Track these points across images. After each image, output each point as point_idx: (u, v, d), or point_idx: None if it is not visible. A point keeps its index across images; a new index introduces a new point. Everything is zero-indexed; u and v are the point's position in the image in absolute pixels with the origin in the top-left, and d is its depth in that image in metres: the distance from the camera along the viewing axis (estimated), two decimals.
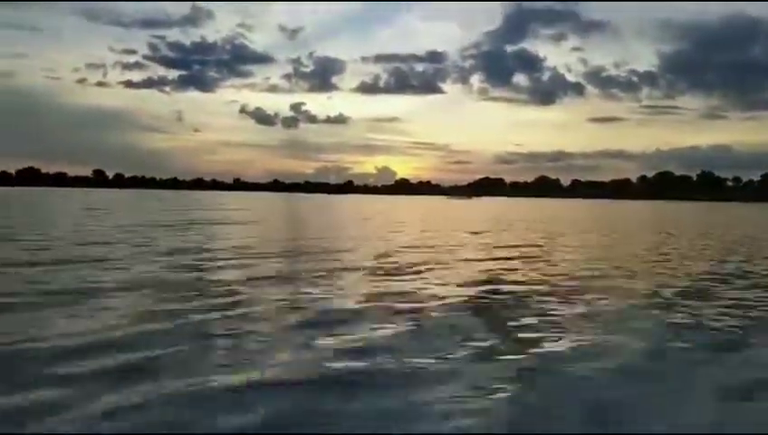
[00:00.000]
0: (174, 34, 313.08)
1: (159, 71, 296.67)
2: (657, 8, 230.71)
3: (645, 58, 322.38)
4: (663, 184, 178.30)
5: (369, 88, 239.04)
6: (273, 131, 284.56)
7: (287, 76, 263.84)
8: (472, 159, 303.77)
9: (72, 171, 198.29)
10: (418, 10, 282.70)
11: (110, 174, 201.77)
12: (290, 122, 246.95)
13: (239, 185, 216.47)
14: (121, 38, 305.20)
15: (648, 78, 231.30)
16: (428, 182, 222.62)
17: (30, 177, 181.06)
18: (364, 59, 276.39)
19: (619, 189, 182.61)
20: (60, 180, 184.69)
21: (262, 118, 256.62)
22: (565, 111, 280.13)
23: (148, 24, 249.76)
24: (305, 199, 77.59)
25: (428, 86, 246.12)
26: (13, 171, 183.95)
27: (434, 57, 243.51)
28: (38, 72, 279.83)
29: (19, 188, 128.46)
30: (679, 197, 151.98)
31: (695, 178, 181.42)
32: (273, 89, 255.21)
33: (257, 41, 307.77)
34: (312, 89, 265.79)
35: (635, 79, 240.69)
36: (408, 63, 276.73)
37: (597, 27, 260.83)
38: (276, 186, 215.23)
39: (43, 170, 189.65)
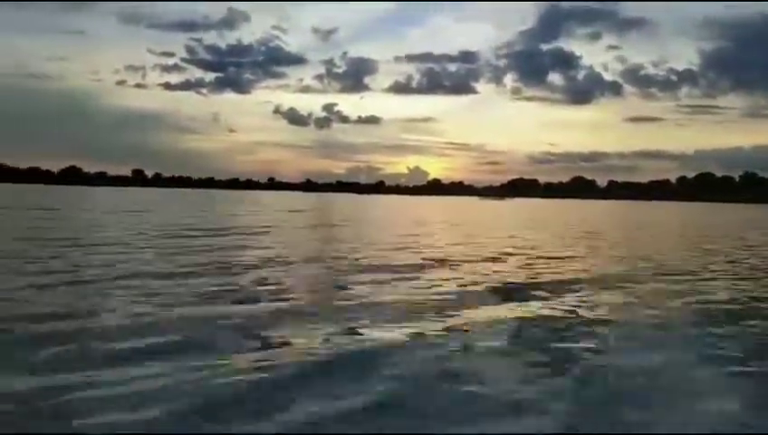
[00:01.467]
0: (211, 37, 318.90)
1: (197, 73, 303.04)
2: (698, 5, 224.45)
3: (684, 56, 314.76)
4: (703, 185, 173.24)
5: (401, 88, 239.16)
6: (306, 132, 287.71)
7: (320, 77, 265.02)
8: (505, 160, 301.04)
9: (111, 171, 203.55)
10: (451, 10, 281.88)
11: (149, 173, 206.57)
12: (322, 123, 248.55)
13: (273, 184, 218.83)
14: (160, 41, 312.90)
15: (688, 77, 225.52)
16: (461, 183, 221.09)
17: (72, 175, 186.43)
18: (397, 59, 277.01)
19: (657, 190, 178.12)
20: (100, 179, 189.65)
21: (295, 118, 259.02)
22: (601, 110, 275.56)
23: (186, 26, 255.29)
24: (344, 199, 77.83)
25: (461, 86, 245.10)
26: (56, 170, 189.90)
27: (467, 57, 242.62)
28: (81, 75, 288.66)
29: (61, 186, 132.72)
30: (721, 198, 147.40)
31: (737, 180, 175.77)
32: (307, 89, 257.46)
33: (291, 42, 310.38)
34: (345, 89, 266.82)
35: (674, 78, 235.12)
36: (440, 63, 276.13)
37: (634, 25, 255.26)
38: (309, 186, 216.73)
39: (84, 169, 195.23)
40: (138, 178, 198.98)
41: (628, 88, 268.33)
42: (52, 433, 2.84)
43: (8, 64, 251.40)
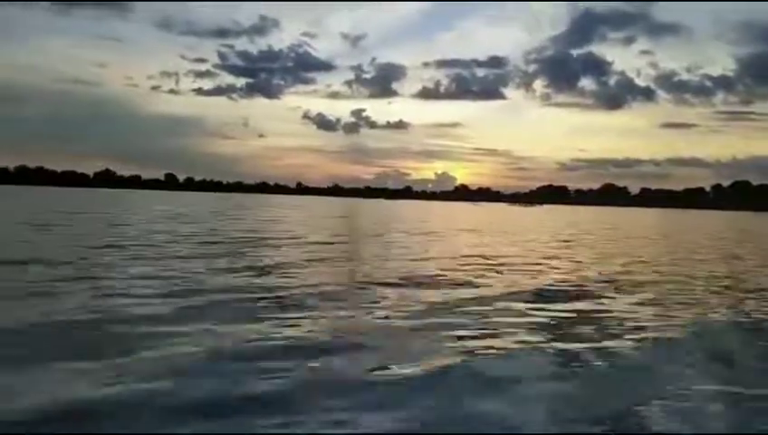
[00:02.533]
0: (242, 43, 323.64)
1: (228, 78, 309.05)
2: (735, 9, 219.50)
3: (720, 62, 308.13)
4: (740, 194, 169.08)
5: (429, 93, 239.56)
6: (334, 137, 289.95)
7: (348, 82, 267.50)
8: (534, 166, 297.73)
9: (145, 174, 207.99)
10: (481, 15, 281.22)
11: (181, 177, 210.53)
12: (351, 128, 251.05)
13: (301, 189, 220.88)
14: (193, 47, 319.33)
15: (724, 82, 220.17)
16: (488, 189, 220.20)
17: (106, 178, 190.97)
18: (425, 65, 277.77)
19: (691, 198, 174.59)
20: (134, 183, 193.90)
21: (323, 123, 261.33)
22: (634, 116, 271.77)
23: (219, 33, 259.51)
24: (378, 205, 77.62)
25: (490, 91, 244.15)
26: (91, 173, 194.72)
27: (496, 62, 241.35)
28: (117, 81, 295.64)
29: (96, 188, 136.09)
30: (759, 207, 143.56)
31: None
32: (335, 95, 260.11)
33: (320, 48, 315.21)
34: (373, 95, 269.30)
35: (709, 84, 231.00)
36: (469, 69, 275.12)
37: (669, 30, 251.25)
38: (336, 190, 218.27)
39: (119, 173, 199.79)
40: (170, 182, 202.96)
41: (661, 94, 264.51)
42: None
43: (48, 69, 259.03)
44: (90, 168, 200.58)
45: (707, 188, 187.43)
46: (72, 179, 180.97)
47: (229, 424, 2.94)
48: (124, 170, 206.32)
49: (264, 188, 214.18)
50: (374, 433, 2.98)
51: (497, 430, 3.05)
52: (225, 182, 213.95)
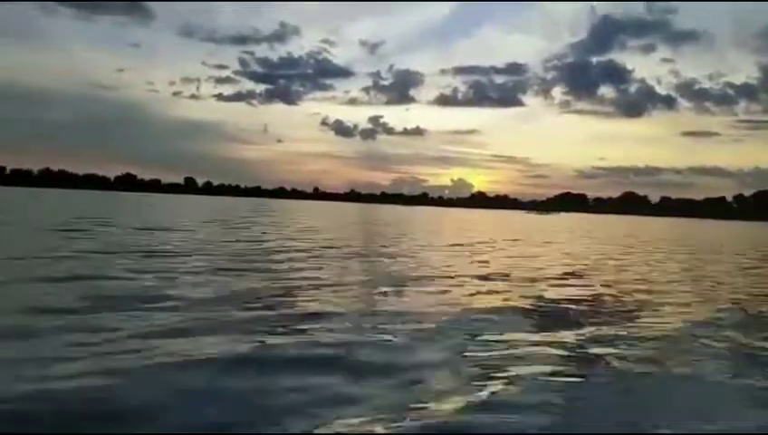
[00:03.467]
0: (262, 50, 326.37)
1: (248, 85, 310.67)
2: (759, 15, 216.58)
3: (743, 70, 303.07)
4: (762, 204, 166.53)
5: (447, 100, 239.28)
6: (352, 143, 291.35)
7: (366, 89, 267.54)
8: (552, 173, 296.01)
9: (164, 178, 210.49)
10: (499, 22, 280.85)
11: (200, 182, 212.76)
12: (368, 134, 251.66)
13: (318, 194, 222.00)
14: (214, 53, 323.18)
15: (746, 91, 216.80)
16: (506, 196, 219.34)
17: (127, 182, 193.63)
18: (443, 71, 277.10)
19: (713, 208, 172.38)
20: (154, 186, 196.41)
21: (341, 129, 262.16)
22: (654, 124, 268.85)
23: (239, 40, 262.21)
24: (398, 211, 77.44)
25: (508, 98, 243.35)
26: (112, 177, 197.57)
27: (514, 69, 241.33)
28: (139, 86, 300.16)
29: (116, 191, 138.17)
30: None
31: None
32: (353, 101, 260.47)
33: (339, 55, 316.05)
34: (391, 101, 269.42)
35: (731, 92, 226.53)
36: (487, 76, 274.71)
37: (690, 38, 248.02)
38: (353, 196, 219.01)
39: (139, 176, 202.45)
40: (189, 186, 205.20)
41: (682, 102, 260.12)
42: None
43: (71, 74, 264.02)
44: (110, 171, 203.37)
45: (729, 198, 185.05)
46: (93, 182, 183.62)
47: None
48: (145, 174, 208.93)
49: (281, 193, 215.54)
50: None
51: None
52: (243, 186, 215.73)
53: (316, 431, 2.94)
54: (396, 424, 3.05)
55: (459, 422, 3.12)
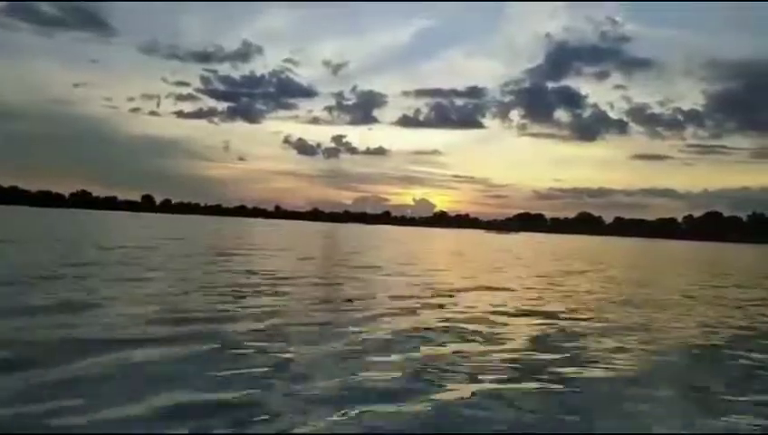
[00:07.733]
0: (225, 68, 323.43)
1: (210, 102, 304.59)
2: (705, 47, 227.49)
3: (690, 96, 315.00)
4: (711, 224, 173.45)
5: (409, 121, 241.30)
6: (315, 161, 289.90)
7: (329, 108, 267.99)
8: (511, 194, 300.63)
9: (122, 196, 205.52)
10: (461, 47, 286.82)
11: (158, 199, 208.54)
12: (331, 153, 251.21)
13: (280, 213, 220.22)
14: (176, 71, 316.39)
15: (694, 117, 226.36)
16: (467, 215, 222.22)
17: (82, 199, 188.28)
18: (405, 93, 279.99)
19: (664, 228, 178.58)
20: (110, 204, 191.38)
21: (304, 148, 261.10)
22: (608, 147, 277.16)
23: (203, 57, 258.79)
24: (363, 230, 76.94)
25: (468, 120, 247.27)
26: (66, 194, 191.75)
27: (474, 92, 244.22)
28: (96, 101, 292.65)
29: (72, 209, 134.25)
30: (729, 238, 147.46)
31: (745, 220, 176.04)
32: (316, 121, 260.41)
33: (302, 75, 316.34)
34: (354, 121, 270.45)
35: (680, 117, 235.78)
36: (448, 98, 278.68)
37: (641, 65, 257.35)
38: (315, 214, 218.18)
39: (94, 194, 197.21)
40: (147, 205, 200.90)
41: (634, 126, 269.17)
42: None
43: (27, 89, 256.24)
44: (66, 188, 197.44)
45: (679, 219, 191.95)
46: (46, 200, 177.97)
47: None
48: (101, 192, 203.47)
49: (242, 211, 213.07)
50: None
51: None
52: (203, 204, 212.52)
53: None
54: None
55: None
